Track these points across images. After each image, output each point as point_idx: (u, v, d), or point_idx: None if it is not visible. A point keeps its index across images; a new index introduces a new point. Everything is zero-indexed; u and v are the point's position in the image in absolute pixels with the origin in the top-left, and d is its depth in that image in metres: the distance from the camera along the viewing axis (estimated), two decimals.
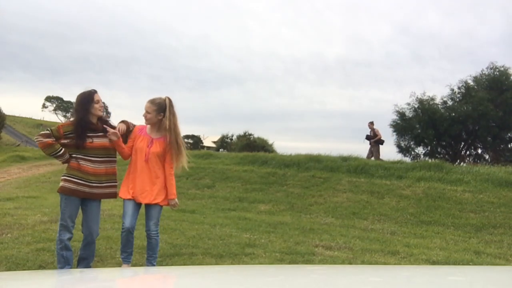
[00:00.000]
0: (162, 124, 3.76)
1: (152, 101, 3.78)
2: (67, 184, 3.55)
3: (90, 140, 3.57)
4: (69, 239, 3.62)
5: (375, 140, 13.33)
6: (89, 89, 3.67)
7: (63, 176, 3.63)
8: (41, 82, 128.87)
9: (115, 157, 3.79)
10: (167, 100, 3.76)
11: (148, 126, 3.83)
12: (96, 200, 3.68)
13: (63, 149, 3.55)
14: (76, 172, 3.56)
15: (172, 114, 3.76)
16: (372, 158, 13.01)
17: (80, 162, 3.57)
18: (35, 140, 3.62)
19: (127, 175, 3.83)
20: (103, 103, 3.77)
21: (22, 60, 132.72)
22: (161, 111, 3.74)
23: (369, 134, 13.54)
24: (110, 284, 1.44)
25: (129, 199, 3.75)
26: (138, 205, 3.81)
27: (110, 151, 3.71)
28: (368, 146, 13.67)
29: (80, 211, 3.69)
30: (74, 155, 3.62)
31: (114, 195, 3.75)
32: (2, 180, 13.58)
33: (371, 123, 13.55)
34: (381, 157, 13.31)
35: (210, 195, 9.51)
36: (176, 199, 3.88)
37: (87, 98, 3.60)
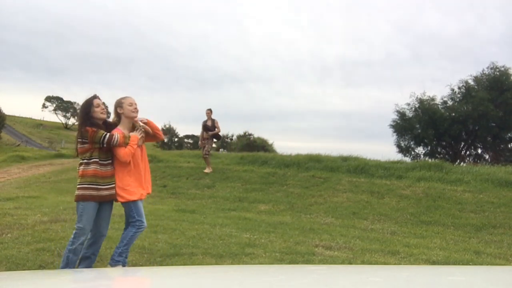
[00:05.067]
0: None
1: None
2: (81, 192, 3.62)
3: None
4: (83, 243, 3.65)
5: (213, 133, 10.93)
6: (91, 95, 3.79)
7: (78, 185, 3.67)
8: (41, 82, 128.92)
9: None
10: None
11: (121, 127, 3.82)
12: (108, 201, 3.73)
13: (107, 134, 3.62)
14: (89, 178, 3.62)
15: None
16: (206, 156, 11.11)
17: (92, 167, 3.63)
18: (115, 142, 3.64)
19: (130, 177, 3.76)
20: (104, 104, 3.82)
21: (21, 60, 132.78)
22: None
23: (207, 124, 10.98)
24: (110, 284, 1.44)
25: (141, 199, 3.82)
26: None
27: (112, 153, 3.77)
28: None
29: None
30: (85, 160, 3.65)
31: (115, 197, 3.76)
32: (2, 180, 13.57)
33: (210, 111, 11.02)
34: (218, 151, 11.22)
35: (210, 195, 9.51)
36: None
37: (88, 104, 3.72)
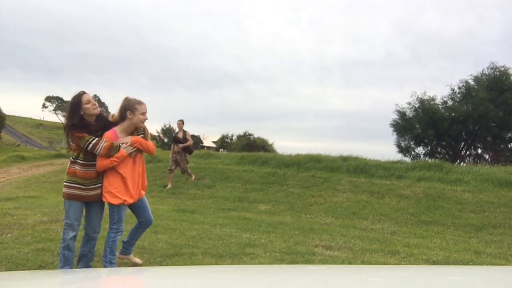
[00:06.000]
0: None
1: None
2: (66, 190, 3.64)
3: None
4: (73, 238, 3.65)
5: (184, 146, 10.19)
6: (77, 92, 3.63)
7: (64, 182, 3.69)
8: (40, 82, 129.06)
9: None
10: None
11: (119, 129, 3.70)
12: (97, 200, 3.71)
13: (95, 138, 3.56)
14: (74, 178, 3.62)
15: None
16: (185, 172, 10.56)
17: (76, 167, 3.62)
18: (99, 151, 3.55)
19: (117, 181, 3.66)
20: (101, 102, 3.79)
21: (21, 60, 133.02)
22: None
23: (177, 135, 10.50)
24: (110, 284, 1.44)
25: (124, 204, 3.71)
26: None
27: None
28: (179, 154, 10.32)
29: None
30: (72, 159, 3.68)
31: (100, 197, 3.71)
32: (2, 180, 13.58)
33: (181, 122, 10.35)
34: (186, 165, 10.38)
35: (210, 195, 9.51)
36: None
37: (75, 102, 3.57)
